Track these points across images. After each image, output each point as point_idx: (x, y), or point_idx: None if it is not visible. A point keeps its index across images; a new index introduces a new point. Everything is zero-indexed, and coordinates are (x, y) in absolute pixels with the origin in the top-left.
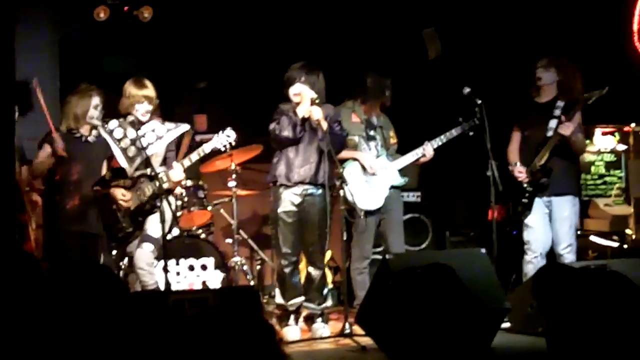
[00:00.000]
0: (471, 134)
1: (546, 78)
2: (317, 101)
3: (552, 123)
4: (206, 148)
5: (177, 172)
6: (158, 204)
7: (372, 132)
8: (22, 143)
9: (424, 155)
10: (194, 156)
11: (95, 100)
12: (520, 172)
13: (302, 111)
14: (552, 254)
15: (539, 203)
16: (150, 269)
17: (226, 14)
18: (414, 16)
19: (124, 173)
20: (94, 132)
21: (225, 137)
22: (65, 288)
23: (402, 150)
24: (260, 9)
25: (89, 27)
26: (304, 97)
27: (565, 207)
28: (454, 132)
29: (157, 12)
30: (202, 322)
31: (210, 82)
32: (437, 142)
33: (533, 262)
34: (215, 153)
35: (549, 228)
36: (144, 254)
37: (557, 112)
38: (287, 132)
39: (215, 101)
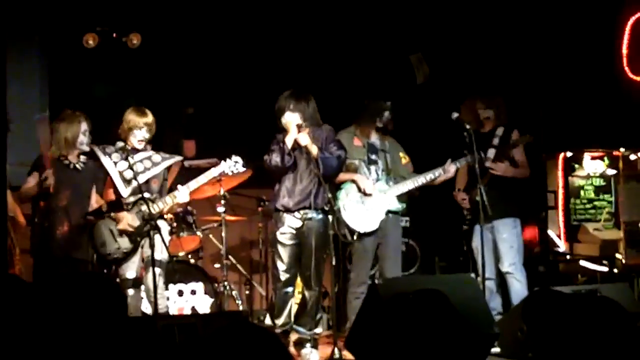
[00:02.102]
0: (477, 167)
1: (489, 114)
2: (304, 126)
3: (490, 152)
4: (214, 172)
5: (183, 194)
6: (156, 226)
7: (373, 156)
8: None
9: (440, 174)
10: (202, 179)
11: (84, 126)
12: (463, 199)
13: (290, 140)
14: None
15: (480, 229)
16: (162, 292)
17: (214, 40)
18: (407, 41)
19: (119, 205)
20: (82, 158)
21: (233, 163)
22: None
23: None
24: (247, 36)
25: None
26: (289, 125)
27: (504, 229)
28: (457, 164)
29: (145, 39)
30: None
31: (198, 108)
32: (440, 170)
33: (486, 284)
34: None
35: (492, 252)
36: (155, 277)
37: (496, 141)
38: (275, 162)
39: (203, 127)
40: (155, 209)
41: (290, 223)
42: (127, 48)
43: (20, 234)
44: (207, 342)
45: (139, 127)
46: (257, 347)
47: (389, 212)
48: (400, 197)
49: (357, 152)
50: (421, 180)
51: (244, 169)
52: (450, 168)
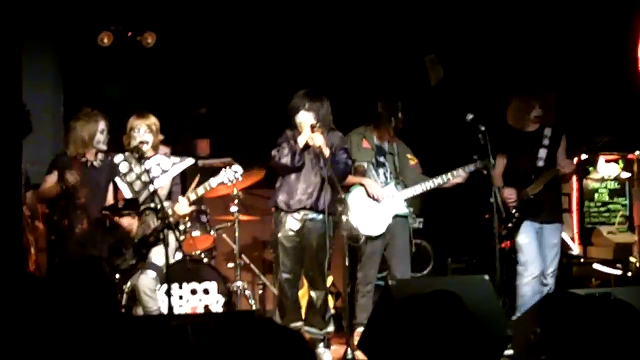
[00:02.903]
0: (485, 172)
1: (539, 113)
2: (317, 127)
3: (542, 152)
4: (213, 183)
5: (182, 205)
6: (162, 236)
7: (381, 159)
8: (25, 168)
9: (449, 180)
10: (200, 190)
11: (102, 124)
12: (510, 195)
13: (302, 140)
14: None
15: (530, 227)
16: (153, 295)
17: (228, 39)
18: (418, 43)
19: (136, 203)
20: (99, 155)
21: (233, 173)
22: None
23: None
24: (260, 36)
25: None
26: (303, 124)
27: (555, 234)
28: (466, 169)
29: (160, 38)
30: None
31: (212, 107)
32: (449, 175)
33: (530, 283)
34: None
35: (540, 251)
36: (147, 279)
37: (546, 142)
38: (285, 160)
39: (216, 126)
40: (156, 221)
41: (290, 225)
42: (142, 47)
43: (39, 233)
44: (225, 342)
45: (138, 127)
46: (284, 347)
47: (396, 216)
48: (408, 202)
49: (365, 155)
50: (429, 184)
51: (241, 178)
52: (461, 174)
